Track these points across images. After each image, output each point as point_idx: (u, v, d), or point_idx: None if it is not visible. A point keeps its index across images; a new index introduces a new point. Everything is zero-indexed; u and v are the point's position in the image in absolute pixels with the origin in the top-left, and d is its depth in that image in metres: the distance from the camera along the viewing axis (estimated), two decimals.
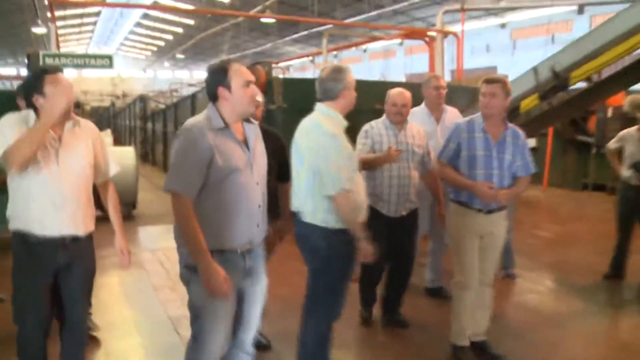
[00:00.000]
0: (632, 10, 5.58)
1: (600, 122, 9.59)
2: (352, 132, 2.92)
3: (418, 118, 4.02)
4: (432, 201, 4.01)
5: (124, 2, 18.42)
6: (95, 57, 11.33)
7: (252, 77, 2.25)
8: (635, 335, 3.93)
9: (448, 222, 3.39)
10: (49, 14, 12.30)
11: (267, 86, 6.28)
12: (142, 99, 16.44)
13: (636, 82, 7.04)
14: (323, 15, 25.17)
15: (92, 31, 42.26)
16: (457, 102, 5.56)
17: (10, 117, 2.42)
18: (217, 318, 2.25)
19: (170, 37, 41.00)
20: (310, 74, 30.27)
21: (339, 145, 2.64)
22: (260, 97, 2.98)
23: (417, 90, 4.21)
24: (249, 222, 2.28)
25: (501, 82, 3.11)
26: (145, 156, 15.25)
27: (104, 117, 22.64)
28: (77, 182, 2.47)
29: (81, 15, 34.80)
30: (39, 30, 19.73)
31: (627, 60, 6.40)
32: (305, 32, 29.44)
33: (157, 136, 14.10)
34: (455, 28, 16.32)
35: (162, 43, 43.99)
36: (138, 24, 39.46)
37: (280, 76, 9.55)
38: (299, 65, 40.04)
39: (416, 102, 3.94)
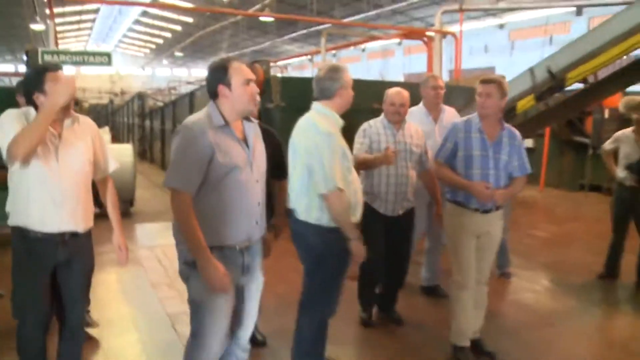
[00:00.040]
0: (628, 13, 5.63)
1: (596, 123, 9.63)
2: (350, 132, 2.93)
3: (416, 118, 4.03)
4: (429, 200, 4.04)
5: (123, 0, 18.38)
6: (94, 54, 11.35)
7: (252, 76, 2.26)
8: (629, 333, 3.96)
9: (445, 222, 3.41)
10: (47, 11, 12.28)
11: (265, 85, 6.27)
12: (141, 96, 16.41)
13: (632, 84, 7.08)
14: (322, 15, 25.13)
15: (91, 28, 42.12)
16: (455, 102, 5.58)
17: (10, 113, 2.42)
18: (216, 314, 2.26)
19: (169, 35, 40.90)
20: (308, 72, 30.21)
21: (333, 144, 2.64)
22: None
23: (415, 90, 4.23)
24: (248, 219, 2.29)
25: (497, 82, 3.12)
26: (143, 154, 15.24)
27: (102, 115, 22.59)
28: (76, 178, 2.48)
29: (80, 12, 34.71)
30: (37, 27, 19.69)
31: (623, 62, 6.44)
32: (304, 31, 29.41)
33: (155, 134, 14.11)
34: (454, 28, 16.35)
35: (160, 41, 43.88)
36: (137, 22, 39.36)
37: (279, 75, 9.57)
38: (297, 64, 40.04)
39: (414, 101, 3.95)
